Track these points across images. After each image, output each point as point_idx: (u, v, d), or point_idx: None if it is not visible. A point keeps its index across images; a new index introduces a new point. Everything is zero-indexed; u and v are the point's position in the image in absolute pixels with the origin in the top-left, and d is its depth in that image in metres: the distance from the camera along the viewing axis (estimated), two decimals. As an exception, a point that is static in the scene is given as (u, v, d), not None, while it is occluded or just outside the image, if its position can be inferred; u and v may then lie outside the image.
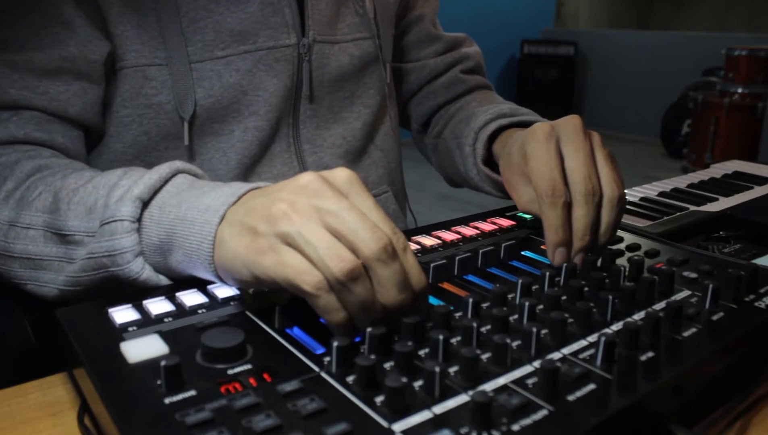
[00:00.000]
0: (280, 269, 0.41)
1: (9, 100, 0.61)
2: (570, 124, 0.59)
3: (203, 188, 0.50)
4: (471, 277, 0.54)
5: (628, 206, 0.79)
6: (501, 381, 0.38)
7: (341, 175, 0.45)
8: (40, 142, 0.63)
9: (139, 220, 0.50)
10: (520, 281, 0.49)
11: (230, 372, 0.38)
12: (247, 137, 0.71)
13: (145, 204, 0.51)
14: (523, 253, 0.59)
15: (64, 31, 0.62)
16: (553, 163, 0.56)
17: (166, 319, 0.45)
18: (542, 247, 0.61)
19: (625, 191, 0.86)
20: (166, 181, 0.52)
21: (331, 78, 0.76)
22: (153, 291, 0.49)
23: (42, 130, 0.62)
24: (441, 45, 0.93)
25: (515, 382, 0.38)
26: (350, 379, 0.38)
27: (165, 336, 0.42)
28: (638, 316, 0.46)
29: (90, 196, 0.53)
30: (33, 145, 0.63)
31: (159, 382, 0.37)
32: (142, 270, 0.50)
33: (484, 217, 0.68)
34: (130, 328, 0.43)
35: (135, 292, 0.49)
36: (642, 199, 0.84)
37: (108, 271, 0.51)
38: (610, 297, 0.46)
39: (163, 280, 0.51)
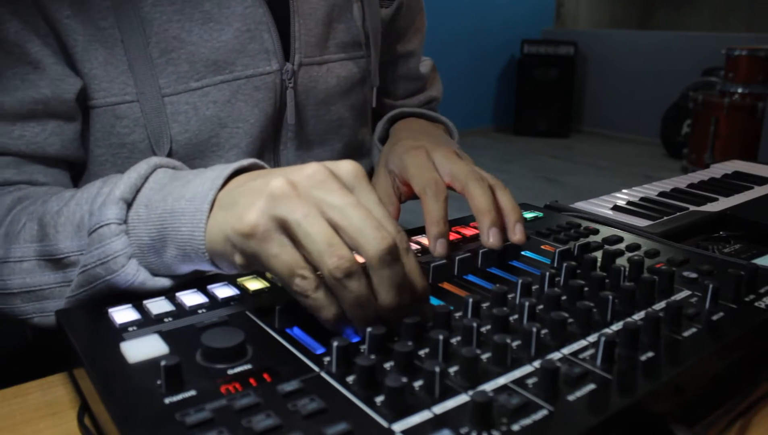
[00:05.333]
0: (271, 261, 0.40)
1: None
2: (443, 148, 0.64)
3: (186, 177, 0.49)
4: (471, 277, 0.54)
5: (628, 206, 0.79)
6: (501, 381, 0.38)
7: (347, 167, 0.44)
8: (20, 183, 0.61)
9: (125, 221, 0.48)
10: (520, 281, 0.49)
11: (230, 372, 0.38)
12: None
13: (129, 204, 0.49)
14: (523, 253, 0.59)
15: (34, 71, 0.60)
16: (432, 168, 0.61)
17: (166, 319, 0.45)
18: (542, 247, 0.61)
19: (625, 191, 0.87)
20: (146, 179, 0.50)
21: (317, 102, 0.74)
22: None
23: (21, 173, 0.61)
24: (419, 84, 0.97)
25: (515, 382, 0.38)
26: (350, 379, 0.38)
27: (166, 336, 0.42)
28: (638, 316, 0.46)
29: (75, 214, 0.51)
30: (13, 186, 0.61)
31: (159, 382, 0.37)
32: (137, 273, 0.47)
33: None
34: (130, 328, 0.43)
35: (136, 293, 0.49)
36: (642, 199, 0.83)
37: (104, 281, 0.48)
38: (610, 297, 0.46)
39: (162, 283, 0.49)
